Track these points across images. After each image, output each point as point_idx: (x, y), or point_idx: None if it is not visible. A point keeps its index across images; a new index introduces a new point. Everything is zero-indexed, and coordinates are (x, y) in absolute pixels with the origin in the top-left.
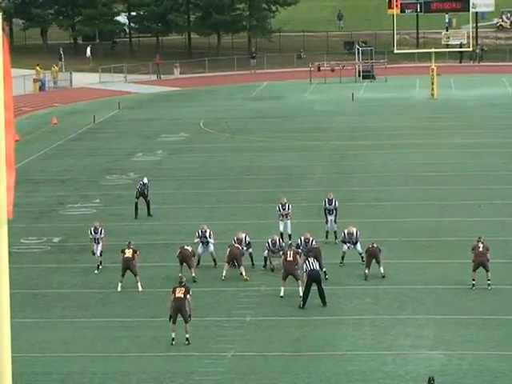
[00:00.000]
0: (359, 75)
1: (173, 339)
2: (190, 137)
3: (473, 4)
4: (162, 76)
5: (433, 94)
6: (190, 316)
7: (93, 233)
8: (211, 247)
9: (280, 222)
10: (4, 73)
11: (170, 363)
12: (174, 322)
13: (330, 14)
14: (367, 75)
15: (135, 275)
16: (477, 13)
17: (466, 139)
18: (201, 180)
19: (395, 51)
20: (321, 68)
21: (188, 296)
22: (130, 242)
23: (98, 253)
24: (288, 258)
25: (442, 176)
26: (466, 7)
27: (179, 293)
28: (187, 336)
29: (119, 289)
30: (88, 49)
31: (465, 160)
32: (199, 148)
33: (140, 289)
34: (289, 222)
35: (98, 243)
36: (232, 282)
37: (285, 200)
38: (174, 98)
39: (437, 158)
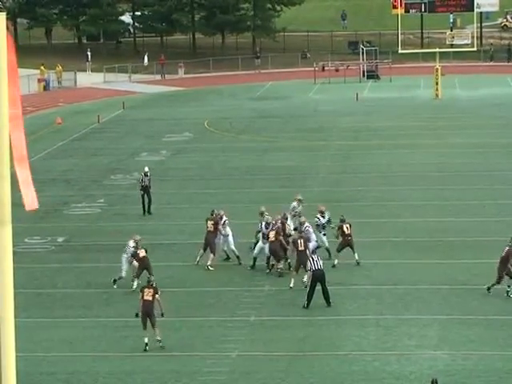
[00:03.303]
0: (363, 75)
1: (146, 344)
2: (194, 137)
3: (477, 4)
4: (166, 76)
5: (437, 94)
6: (162, 315)
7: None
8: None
9: (262, 241)
10: (10, 70)
11: (174, 363)
12: (145, 328)
13: (334, 14)
14: (372, 75)
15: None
16: (481, 13)
17: (471, 139)
18: (205, 180)
19: (400, 51)
20: (325, 68)
21: (157, 296)
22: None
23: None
24: (300, 248)
25: (447, 176)
26: (470, 7)
27: (147, 295)
28: (158, 338)
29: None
30: (146, 57)
31: (469, 160)
32: (203, 148)
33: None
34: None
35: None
36: (236, 281)
37: (270, 219)
38: (179, 98)
39: (441, 157)
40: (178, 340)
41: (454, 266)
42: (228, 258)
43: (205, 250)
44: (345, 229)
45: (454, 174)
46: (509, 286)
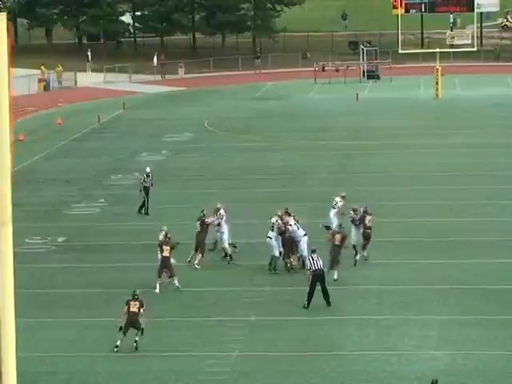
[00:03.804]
0: (364, 75)
1: (116, 346)
2: (195, 136)
3: (477, 4)
4: (166, 76)
5: (437, 94)
6: (142, 330)
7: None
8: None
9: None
10: None
11: (175, 363)
12: (125, 334)
13: (334, 14)
14: (372, 75)
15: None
16: (482, 13)
17: (471, 139)
18: (205, 180)
19: (400, 51)
20: (325, 68)
21: (141, 310)
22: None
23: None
24: (335, 243)
25: (447, 176)
26: (470, 7)
27: (134, 307)
28: (136, 338)
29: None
30: (155, 57)
31: (469, 160)
32: (204, 148)
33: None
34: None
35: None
36: (236, 281)
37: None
38: (179, 98)
39: (441, 157)
40: (179, 340)
41: (455, 265)
42: (226, 255)
43: (196, 249)
44: (367, 221)
45: (454, 174)
46: None
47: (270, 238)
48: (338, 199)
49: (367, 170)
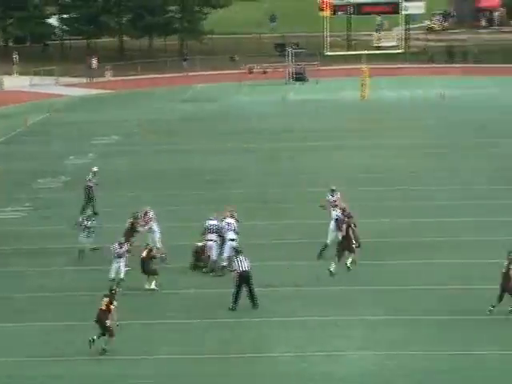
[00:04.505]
0: (291, 77)
1: (91, 340)
2: (122, 139)
3: (404, 6)
4: (94, 79)
5: (363, 96)
6: (107, 331)
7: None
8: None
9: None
10: None
11: (101, 366)
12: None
13: (262, 16)
14: (300, 77)
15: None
16: (408, 15)
17: (395, 140)
18: (133, 182)
19: (326, 53)
20: (253, 70)
21: (112, 307)
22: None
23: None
24: (343, 233)
25: (371, 177)
26: (396, 9)
27: (103, 304)
28: (104, 347)
29: None
30: (93, 59)
31: (392, 161)
32: (131, 151)
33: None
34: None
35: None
36: (162, 285)
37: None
38: (106, 101)
39: (366, 159)
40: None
41: (380, 266)
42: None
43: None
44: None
45: (377, 175)
46: None
47: (213, 240)
48: (329, 194)
49: (294, 172)
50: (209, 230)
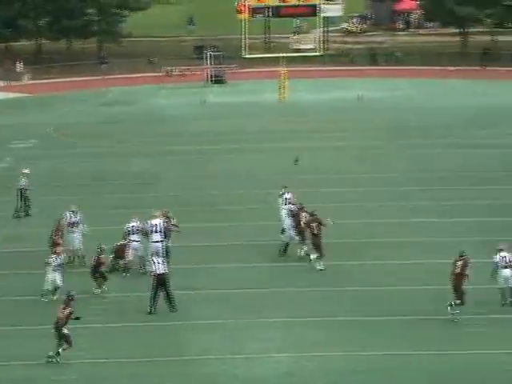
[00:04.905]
0: (210, 80)
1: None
2: (40, 143)
3: (322, 9)
4: (11, 82)
5: (282, 98)
6: (63, 338)
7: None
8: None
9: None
10: None
11: (25, 370)
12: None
13: (181, 19)
14: (219, 80)
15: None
16: (327, 18)
17: (312, 143)
18: (51, 187)
19: (244, 56)
20: (171, 73)
21: (66, 312)
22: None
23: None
24: (314, 232)
25: (288, 180)
26: (314, 12)
27: (59, 311)
28: (58, 350)
29: None
30: (19, 63)
31: (313, 163)
32: (49, 154)
33: None
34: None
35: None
36: (83, 288)
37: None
38: (23, 104)
39: (283, 161)
40: (28, 349)
41: (298, 267)
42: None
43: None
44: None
45: (296, 177)
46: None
47: (137, 241)
48: (284, 192)
49: (213, 174)
50: (131, 232)
